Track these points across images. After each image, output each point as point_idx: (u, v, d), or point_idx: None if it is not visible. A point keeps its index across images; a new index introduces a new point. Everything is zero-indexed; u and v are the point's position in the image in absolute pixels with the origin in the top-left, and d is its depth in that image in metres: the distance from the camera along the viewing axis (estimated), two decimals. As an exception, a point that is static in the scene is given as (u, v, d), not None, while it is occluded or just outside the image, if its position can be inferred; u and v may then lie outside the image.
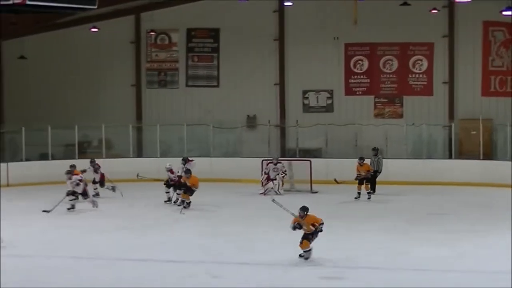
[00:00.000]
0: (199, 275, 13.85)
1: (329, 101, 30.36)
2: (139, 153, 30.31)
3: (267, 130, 29.65)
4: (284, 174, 24.38)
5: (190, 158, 23.37)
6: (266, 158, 25.33)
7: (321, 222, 14.70)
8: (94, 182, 23.61)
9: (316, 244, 14.62)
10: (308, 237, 14.61)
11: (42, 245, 16.73)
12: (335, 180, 24.13)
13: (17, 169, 25.70)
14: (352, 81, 30.13)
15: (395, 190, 24.48)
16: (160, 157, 27.57)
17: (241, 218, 20.11)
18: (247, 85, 30.52)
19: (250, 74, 30.44)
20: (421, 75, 29.71)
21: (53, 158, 27.99)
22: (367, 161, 23.37)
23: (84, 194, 21.03)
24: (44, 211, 20.25)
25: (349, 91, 30.16)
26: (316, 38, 29.82)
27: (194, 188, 20.77)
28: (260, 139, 29.47)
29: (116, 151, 29.83)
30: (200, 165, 23.59)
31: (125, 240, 17.29)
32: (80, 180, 20.84)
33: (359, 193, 22.68)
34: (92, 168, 23.69)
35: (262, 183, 24.34)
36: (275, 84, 30.51)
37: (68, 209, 20.62)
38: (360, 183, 22.76)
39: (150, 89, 31.72)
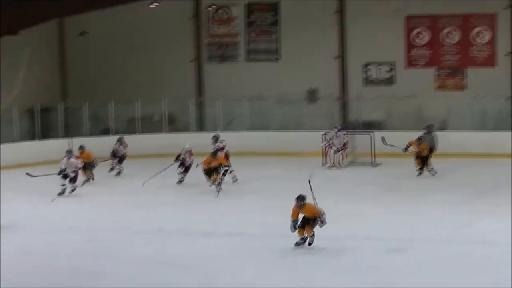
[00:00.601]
0: (262, 249, 14.01)
1: (390, 74, 30.16)
2: (200, 128, 30.58)
3: (327, 104, 29.60)
4: (344, 147, 24.39)
5: (220, 140, 22.64)
6: (327, 131, 25.33)
7: (322, 212, 13.77)
8: (114, 156, 23.75)
9: (379, 218, 14.65)
10: (310, 222, 13.78)
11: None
12: (383, 139, 23.62)
13: (80, 143, 26.02)
14: (413, 53, 29.84)
15: (458, 163, 24.28)
16: (222, 131, 27.70)
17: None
18: (307, 59, 30.38)
19: (310, 47, 30.30)
20: (483, 47, 29.28)
21: (116, 133, 28.40)
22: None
23: (74, 180, 20.42)
24: (27, 174, 20.04)
25: (410, 64, 29.88)
26: (377, 10, 29.56)
27: (224, 167, 20.49)
28: (321, 112, 29.41)
29: (177, 125, 30.15)
30: (260, 139, 23.73)
31: (191, 214, 17.57)
32: (77, 169, 20.44)
33: (420, 168, 22.54)
34: (118, 144, 23.86)
35: (324, 151, 24.40)
36: (335, 57, 30.38)
37: (59, 194, 20.06)
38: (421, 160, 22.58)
39: (210, 64, 31.90)
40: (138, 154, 25.86)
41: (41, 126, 28.23)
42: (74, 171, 20.22)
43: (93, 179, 22.27)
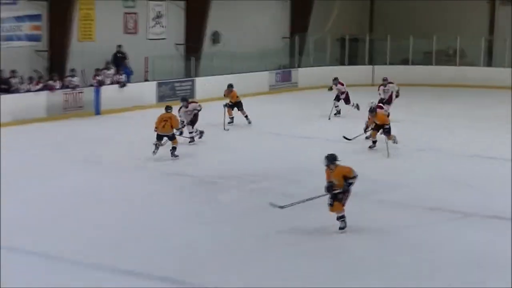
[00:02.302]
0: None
1: None
2: (488, 63, 33.17)
3: None
4: None
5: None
6: None
7: (354, 174, 11.79)
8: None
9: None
10: (339, 197, 11.84)
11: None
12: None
13: (383, 72, 29.96)
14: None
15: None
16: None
17: None
18: None
19: None
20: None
21: (413, 64, 32.64)
22: None
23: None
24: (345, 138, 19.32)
25: None
26: None
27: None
28: None
29: (468, 60, 33.17)
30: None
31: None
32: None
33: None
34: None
35: None
36: None
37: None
38: None
39: (504, 6, 33.82)
40: (433, 84, 29.98)
41: (349, 54, 33.08)
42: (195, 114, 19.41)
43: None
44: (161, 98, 25.34)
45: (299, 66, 31.70)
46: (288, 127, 21.85)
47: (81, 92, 23.54)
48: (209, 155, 18.27)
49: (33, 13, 24.18)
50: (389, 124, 18.29)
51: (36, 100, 22.56)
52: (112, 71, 24.96)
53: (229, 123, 21.72)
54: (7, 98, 21.84)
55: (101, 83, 24.13)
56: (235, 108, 21.98)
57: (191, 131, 19.26)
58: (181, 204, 14.04)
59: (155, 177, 16.08)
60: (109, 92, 24.13)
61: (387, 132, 18.08)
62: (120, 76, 24.94)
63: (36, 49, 24.29)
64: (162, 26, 28.29)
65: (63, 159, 17.49)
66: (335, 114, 23.34)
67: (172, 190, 15.08)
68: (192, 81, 27.25)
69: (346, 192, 11.78)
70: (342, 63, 32.87)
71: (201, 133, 19.32)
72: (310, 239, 11.77)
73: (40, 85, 23.08)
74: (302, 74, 30.88)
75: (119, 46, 25.96)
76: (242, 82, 24.96)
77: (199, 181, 15.64)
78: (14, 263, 10.52)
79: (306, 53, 32.89)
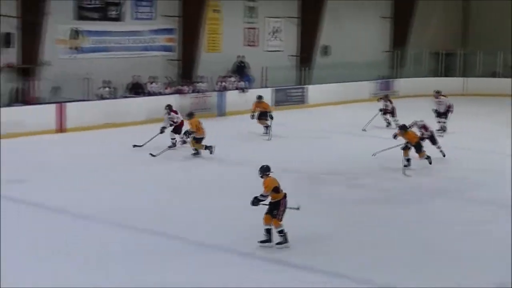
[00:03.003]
0: None
1: None
2: None
3: None
4: None
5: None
6: None
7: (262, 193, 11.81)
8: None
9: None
10: (273, 213, 11.80)
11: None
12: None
13: (472, 82, 32.72)
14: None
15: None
16: None
17: None
18: None
19: None
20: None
21: (501, 76, 35.34)
22: None
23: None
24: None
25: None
26: None
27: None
28: None
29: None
30: None
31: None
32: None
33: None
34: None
35: None
36: None
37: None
38: None
39: None
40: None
41: (443, 66, 36.02)
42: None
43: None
44: (277, 102, 28.92)
45: (399, 77, 34.92)
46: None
47: (207, 96, 26.84)
48: (316, 154, 20.27)
49: (167, 27, 27.80)
50: (417, 142, 18.34)
51: (167, 102, 24.96)
52: (234, 78, 28.42)
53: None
54: (143, 100, 25.25)
55: (224, 89, 27.56)
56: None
57: (173, 137, 20.30)
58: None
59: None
60: (231, 96, 27.41)
61: (418, 150, 18.31)
62: (241, 83, 28.36)
63: (168, 58, 27.87)
64: (279, 40, 32.06)
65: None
66: (386, 126, 24.28)
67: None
68: (304, 88, 30.79)
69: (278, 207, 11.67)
70: (436, 74, 35.69)
71: (184, 142, 19.88)
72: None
73: (171, 89, 26.43)
74: (402, 84, 34.13)
75: (242, 56, 29.59)
76: (346, 89, 28.12)
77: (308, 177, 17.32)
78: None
79: (404, 65, 36.01)
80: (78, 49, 25.44)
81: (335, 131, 23.88)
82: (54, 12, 23.84)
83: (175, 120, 20.66)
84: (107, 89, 25.36)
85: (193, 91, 26.82)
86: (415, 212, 14.48)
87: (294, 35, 32.47)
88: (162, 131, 20.36)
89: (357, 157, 19.50)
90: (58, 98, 24.20)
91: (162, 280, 10.41)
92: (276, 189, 11.68)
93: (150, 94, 26.08)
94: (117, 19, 26.39)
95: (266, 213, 11.70)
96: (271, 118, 22.75)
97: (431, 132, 19.54)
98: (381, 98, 25.44)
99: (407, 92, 33.29)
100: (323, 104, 28.70)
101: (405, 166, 17.82)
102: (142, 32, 27.11)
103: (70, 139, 21.88)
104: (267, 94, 28.64)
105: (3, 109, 22.10)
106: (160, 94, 26.13)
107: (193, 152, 19.51)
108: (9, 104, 23.35)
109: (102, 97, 24.95)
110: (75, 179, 16.54)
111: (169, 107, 20.94)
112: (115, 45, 26.42)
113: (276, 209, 11.66)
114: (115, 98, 25.26)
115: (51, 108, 23.04)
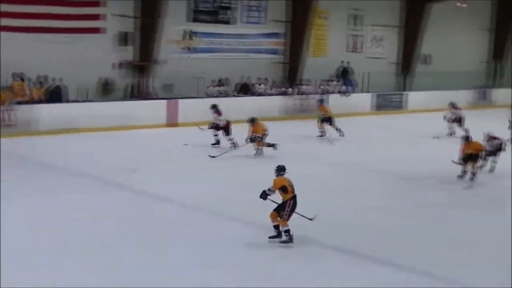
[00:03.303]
0: None
1: None
2: None
3: None
4: None
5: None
6: None
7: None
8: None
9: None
10: (280, 213, 11.79)
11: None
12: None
13: None
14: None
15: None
16: None
17: None
18: None
19: None
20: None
21: None
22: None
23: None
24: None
25: None
26: None
27: None
28: None
29: None
30: None
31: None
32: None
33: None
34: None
35: None
36: None
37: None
38: None
39: None
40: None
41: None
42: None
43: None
44: (378, 107, 29.99)
45: (497, 87, 35.52)
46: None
47: (310, 99, 27.67)
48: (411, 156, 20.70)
49: (275, 31, 29.03)
50: (479, 153, 17.27)
51: (272, 103, 26.85)
52: (336, 82, 29.45)
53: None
54: (248, 99, 26.29)
55: (325, 92, 28.50)
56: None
57: (215, 133, 20.61)
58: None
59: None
60: (333, 99, 28.14)
61: (473, 159, 17.13)
62: (343, 87, 29.36)
63: (272, 61, 29.10)
64: (381, 47, 33.07)
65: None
66: (448, 134, 24.08)
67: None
68: (403, 94, 31.66)
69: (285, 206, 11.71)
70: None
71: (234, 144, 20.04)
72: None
73: (276, 90, 27.61)
74: (499, 94, 34.67)
75: (346, 62, 30.71)
76: (444, 97, 28.57)
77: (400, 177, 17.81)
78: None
79: (502, 76, 36.62)
80: (191, 49, 26.82)
81: (429, 135, 24.13)
82: (169, 14, 25.25)
83: (218, 121, 20.57)
84: (219, 87, 26.48)
85: (298, 93, 27.85)
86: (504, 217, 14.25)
87: (395, 43, 33.39)
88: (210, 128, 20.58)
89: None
90: (170, 94, 25.47)
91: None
92: (284, 189, 11.72)
93: (257, 94, 27.25)
94: (228, 22, 27.69)
95: (273, 211, 11.77)
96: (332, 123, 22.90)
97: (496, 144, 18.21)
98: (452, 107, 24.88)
99: (504, 102, 33.47)
100: (423, 110, 29.55)
101: (460, 177, 17.34)
102: (250, 35, 28.34)
103: (181, 133, 22.49)
104: (368, 99, 29.44)
105: (116, 103, 23.45)
106: (266, 94, 27.29)
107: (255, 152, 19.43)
108: (124, 98, 24.80)
109: (212, 95, 25.82)
110: (181, 171, 17.32)
111: (214, 107, 20.89)
112: (225, 47, 27.72)
113: (283, 209, 11.72)
114: (225, 96, 26.10)
115: (162, 104, 24.18)
